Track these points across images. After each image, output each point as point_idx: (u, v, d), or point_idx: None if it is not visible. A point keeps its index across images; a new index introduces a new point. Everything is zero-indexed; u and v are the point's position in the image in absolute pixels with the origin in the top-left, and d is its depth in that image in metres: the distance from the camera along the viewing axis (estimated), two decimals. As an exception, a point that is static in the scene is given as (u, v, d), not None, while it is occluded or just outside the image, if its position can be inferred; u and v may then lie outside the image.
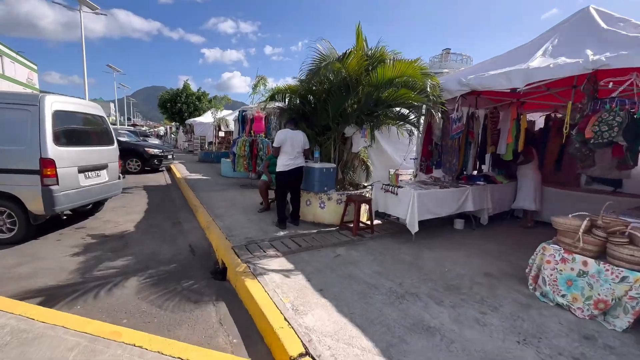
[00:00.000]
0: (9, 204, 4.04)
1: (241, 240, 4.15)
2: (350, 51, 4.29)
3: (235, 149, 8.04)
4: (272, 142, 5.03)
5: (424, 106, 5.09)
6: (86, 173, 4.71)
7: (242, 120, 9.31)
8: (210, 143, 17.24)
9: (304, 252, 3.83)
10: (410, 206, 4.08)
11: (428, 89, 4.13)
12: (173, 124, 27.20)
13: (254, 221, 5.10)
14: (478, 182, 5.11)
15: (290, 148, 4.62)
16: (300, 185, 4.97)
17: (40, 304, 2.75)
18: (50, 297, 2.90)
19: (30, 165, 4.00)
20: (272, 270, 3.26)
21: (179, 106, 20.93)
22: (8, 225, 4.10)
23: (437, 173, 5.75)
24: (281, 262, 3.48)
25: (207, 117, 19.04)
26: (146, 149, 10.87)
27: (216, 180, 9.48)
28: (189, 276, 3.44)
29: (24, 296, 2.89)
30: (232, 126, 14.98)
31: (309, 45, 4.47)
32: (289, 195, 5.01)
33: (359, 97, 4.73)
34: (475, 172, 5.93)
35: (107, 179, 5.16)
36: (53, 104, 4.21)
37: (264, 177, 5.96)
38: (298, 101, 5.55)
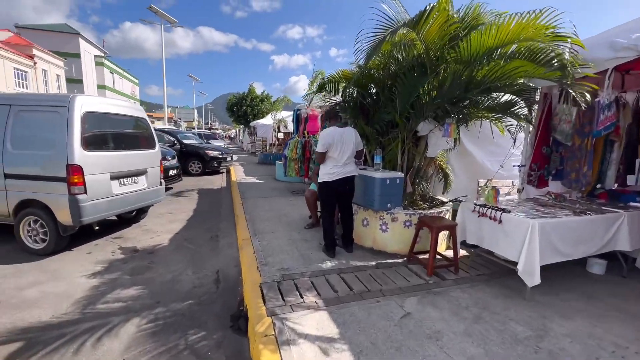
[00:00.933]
0: (41, 213, 3.75)
1: (275, 272, 3.18)
2: (429, 11, 2.91)
3: (286, 151, 7.24)
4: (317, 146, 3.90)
5: (538, 90, 3.47)
6: (121, 180, 4.29)
7: (297, 119, 8.52)
8: (271, 145, 17.15)
9: (355, 302, 2.65)
10: (527, 243, 2.57)
11: (566, 58, 2.55)
12: (241, 126, 28.43)
13: (296, 242, 4.11)
14: (635, 204, 3.27)
15: (339, 153, 3.48)
16: (351, 199, 3.80)
17: (13, 354, 2.15)
18: (30, 343, 2.29)
19: (58, 171, 3.65)
20: (305, 337, 2.17)
21: (244, 109, 21.58)
22: (41, 236, 3.84)
23: (553, 186, 3.99)
24: (321, 321, 2.37)
25: (268, 119, 19.08)
26: (206, 151, 10.91)
27: (269, 184, 8.88)
28: (202, 323, 2.57)
29: (5, 337, 2.34)
30: (290, 127, 14.50)
31: (370, 11, 3.20)
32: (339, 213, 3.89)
33: (440, 80, 3.36)
34: (615, 186, 3.98)
35: (145, 185, 4.73)
36: (83, 105, 3.82)
37: (312, 186, 4.95)
38: (354, 92, 4.38)
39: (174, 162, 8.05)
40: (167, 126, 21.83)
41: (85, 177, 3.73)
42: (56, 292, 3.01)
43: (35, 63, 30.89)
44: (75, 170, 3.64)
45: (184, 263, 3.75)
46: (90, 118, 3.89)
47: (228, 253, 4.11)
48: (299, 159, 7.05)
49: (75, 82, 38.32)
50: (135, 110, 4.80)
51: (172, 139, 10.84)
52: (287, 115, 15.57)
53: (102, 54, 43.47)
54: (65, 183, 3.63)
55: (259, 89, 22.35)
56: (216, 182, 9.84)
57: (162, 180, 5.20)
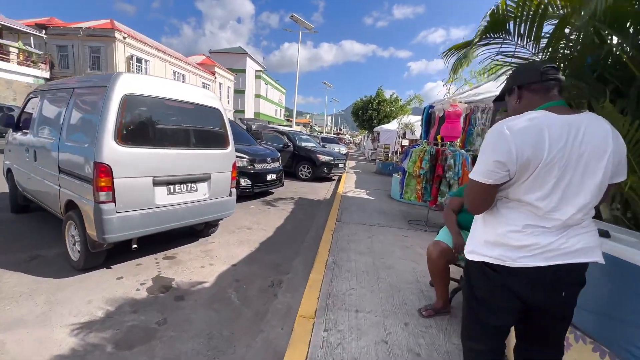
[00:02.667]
0: (77, 220, 3.00)
1: None
2: None
3: (406, 164, 5.00)
4: (471, 162, 1.28)
5: None
6: (170, 187, 3.20)
7: (427, 120, 6.09)
8: (393, 153, 14.89)
9: None
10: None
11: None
12: (366, 132, 27.17)
13: (397, 350, 1.95)
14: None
15: (553, 187, 1.12)
16: (567, 324, 1.33)
17: None
18: None
19: (86, 170, 2.78)
20: None
21: (369, 113, 20.07)
22: (77, 247, 3.11)
23: None
24: None
25: (394, 124, 16.84)
26: (318, 155, 9.78)
27: (380, 203, 6.80)
28: None
29: None
30: (418, 133, 11.88)
31: None
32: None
33: None
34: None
35: (206, 195, 3.56)
36: (127, 85, 2.83)
37: (441, 236, 2.61)
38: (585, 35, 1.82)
39: (276, 165, 7.07)
40: (296, 129, 22.69)
41: (115, 180, 2.73)
42: (35, 338, 1.96)
43: (215, 78, 38.78)
44: (102, 170, 2.67)
45: (201, 339, 2.22)
46: (134, 102, 2.89)
47: (274, 331, 2.36)
48: (425, 176, 4.69)
49: (240, 92, 46.44)
50: (205, 97, 3.68)
51: (287, 140, 10.24)
52: (416, 120, 12.99)
53: (261, 69, 51.16)
54: (91, 186, 2.72)
55: (381, 90, 20.33)
56: (321, 191, 8.48)
57: (233, 190, 3.97)
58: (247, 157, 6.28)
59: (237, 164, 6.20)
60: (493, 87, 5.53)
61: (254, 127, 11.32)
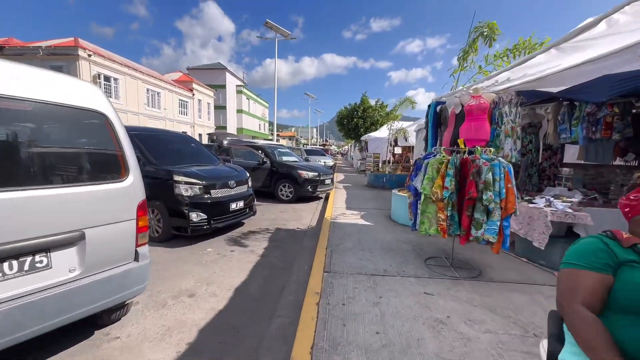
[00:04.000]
0: None
1: None
2: None
3: (418, 182, 3.43)
4: None
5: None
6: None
7: (434, 120, 4.59)
8: (384, 162, 13.48)
9: None
10: None
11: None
12: (352, 141, 25.86)
13: None
14: None
15: None
16: None
17: None
18: None
19: None
20: None
21: (355, 121, 18.76)
22: None
23: None
24: None
25: (382, 132, 15.52)
26: (300, 172, 8.19)
27: (381, 232, 5.21)
28: None
29: None
30: (412, 139, 10.50)
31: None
32: None
33: None
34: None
35: (74, 272, 1.86)
36: None
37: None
38: None
39: (243, 189, 5.42)
40: (282, 142, 21.13)
41: None
42: None
43: (193, 94, 37.09)
44: None
45: None
46: None
47: None
48: (449, 198, 3.14)
49: (221, 108, 44.78)
50: (76, 93, 2.02)
51: (262, 155, 8.62)
52: (408, 124, 11.65)
53: (242, 84, 49.84)
54: None
55: (365, 97, 19.07)
56: (305, 216, 6.85)
57: (144, 249, 2.30)
58: (200, 182, 4.61)
59: (186, 193, 4.57)
60: (520, 72, 4.13)
61: (225, 142, 9.69)
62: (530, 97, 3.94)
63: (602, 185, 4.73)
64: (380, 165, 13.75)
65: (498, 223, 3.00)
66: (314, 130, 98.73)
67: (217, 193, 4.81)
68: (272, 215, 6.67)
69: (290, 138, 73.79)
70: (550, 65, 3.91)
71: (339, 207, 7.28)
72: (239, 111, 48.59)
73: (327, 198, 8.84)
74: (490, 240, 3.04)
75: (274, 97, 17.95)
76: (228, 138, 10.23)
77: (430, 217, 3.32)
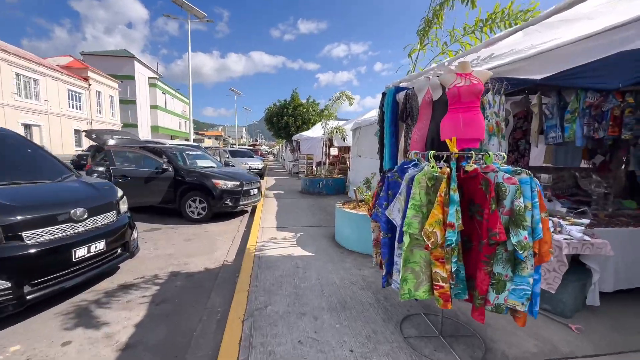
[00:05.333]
0: None
1: None
2: None
3: (396, 211, 2.00)
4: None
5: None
6: None
7: (393, 112, 3.25)
8: (319, 163, 12.19)
9: None
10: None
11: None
12: (284, 141, 24.14)
13: None
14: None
15: None
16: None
17: None
18: None
19: None
20: None
21: (285, 120, 17.10)
22: None
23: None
24: None
25: (315, 131, 14.26)
26: (216, 181, 6.18)
27: (327, 271, 3.69)
28: None
29: None
30: (350, 139, 9.40)
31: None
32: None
33: None
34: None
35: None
36: None
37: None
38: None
39: (105, 221, 3.27)
40: (207, 142, 18.13)
41: None
42: None
43: (89, 85, 30.36)
44: None
45: None
46: None
47: None
48: (455, 246, 1.76)
49: (129, 102, 38.05)
50: None
51: (163, 161, 6.31)
52: (343, 123, 10.52)
53: (156, 76, 43.38)
54: None
55: (296, 94, 17.59)
56: (220, 243, 4.93)
57: None
58: (-7, 220, 2.38)
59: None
60: (507, 46, 3.11)
61: (111, 141, 7.01)
62: (516, 84, 2.91)
63: (563, 191, 4.12)
64: (314, 168, 12.43)
65: (530, 280, 1.75)
66: (243, 129, 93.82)
67: (38, 235, 2.62)
68: (169, 248, 4.58)
69: (217, 137, 68.24)
70: (536, 43, 2.95)
71: (268, 226, 5.56)
72: (154, 107, 42.28)
73: (253, 212, 7.02)
74: (518, 307, 1.78)
75: (189, 86, 15.11)
76: (116, 137, 7.49)
77: (418, 271, 1.91)
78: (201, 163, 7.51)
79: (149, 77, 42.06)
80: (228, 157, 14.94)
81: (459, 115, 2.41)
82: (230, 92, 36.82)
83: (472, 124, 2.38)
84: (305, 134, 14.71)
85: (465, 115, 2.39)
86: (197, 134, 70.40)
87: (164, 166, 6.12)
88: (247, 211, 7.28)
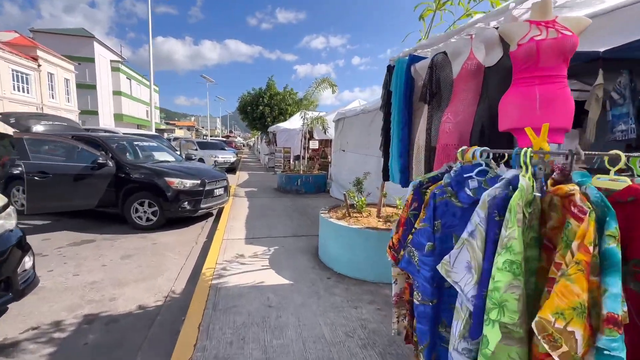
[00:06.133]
0: None
1: None
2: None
3: (464, 270, 1.03)
4: None
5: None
6: None
7: (407, 90, 2.27)
8: (297, 158, 11.08)
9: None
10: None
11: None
12: (259, 132, 22.64)
13: None
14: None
15: None
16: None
17: None
18: None
19: None
20: None
21: (260, 109, 15.69)
22: None
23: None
24: None
25: (293, 122, 13.09)
26: (169, 179, 4.92)
27: (312, 313, 2.66)
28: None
29: None
30: (331, 131, 8.38)
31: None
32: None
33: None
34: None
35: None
36: None
37: None
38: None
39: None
40: (179, 133, 16.50)
41: None
42: None
43: (39, 65, 26.87)
44: None
45: None
46: None
47: None
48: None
49: (88, 87, 34.46)
50: None
51: (101, 154, 4.93)
52: (323, 114, 9.46)
53: (119, 59, 39.65)
54: None
55: (272, 82, 16.15)
56: (170, 263, 3.75)
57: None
58: None
59: None
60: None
61: (37, 127, 5.55)
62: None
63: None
64: (291, 162, 11.32)
65: None
66: (218, 120, 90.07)
67: None
68: (96, 272, 3.34)
69: (190, 128, 64.71)
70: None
71: (235, 237, 4.44)
72: (117, 93, 38.79)
73: (220, 214, 5.84)
74: None
75: (150, 70, 13.29)
76: (44, 123, 5.95)
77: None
78: (157, 156, 6.19)
79: (112, 61, 38.41)
80: (196, 149, 13.42)
81: (534, 90, 1.45)
82: (202, 79, 34.30)
83: (555, 103, 1.44)
84: (282, 125, 13.50)
85: (545, 90, 1.44)
86: (167, 123, 66.17)
87: (101, 160, 4.76)
88: (212, 214, 6.08)
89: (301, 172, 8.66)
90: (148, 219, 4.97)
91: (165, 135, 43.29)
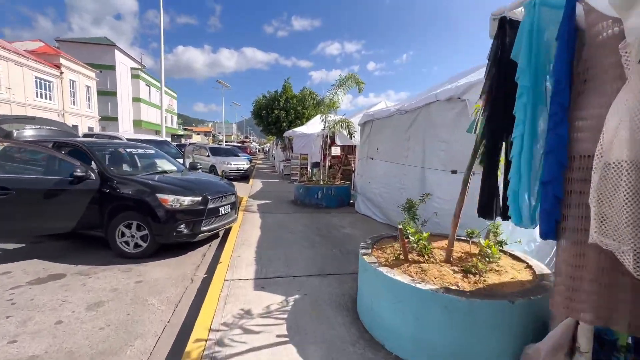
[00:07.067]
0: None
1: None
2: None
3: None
4: None
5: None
6: None
7: (568, 45, 1.17)
8: (316, 165, 9.96)
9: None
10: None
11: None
12: (274, 137, 21.74)
13: None
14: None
15: None
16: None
17: None
18: None
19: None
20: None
21: (276, 113, 14.72)
22: None
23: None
24: None
25: (311, 127, 12.03)
26: (162, 196, 3.90)
27: None
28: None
29: None
30: (357, 136, 7.22)
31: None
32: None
33: None
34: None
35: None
36: None
37: None
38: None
39: None
40: (195, 139, 15.90)
41: None
42: None
43: (61, 73, 27.27)
44: None
45: None
46: None
47: None
48: None
49: (109, 94, 34.91)
50: None
51: (80, 164, 3.97)
52: (353, 116, 8.30)
53: (139, 67, 40.18)
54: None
55: (288, 84, 15.11)
56: (147, 324, 2.68)
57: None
58: None
59: None
60: None
61: (26, 132, 4.79)
62: None
63: None
64: (309, 170, 10.21)
65: None
66: (234, 126, 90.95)
67: None
68: (43, 338, 2.30)
69: (207, 134, 65.28)
70: None
71: (242, 276, 3.32)
72: (136, 99, 39.25)
73: (226, 236, 4.78)
74: None
75: (161, 74, 12.72)
76: (30, 127, 5.13)
77: None
78: (155, 166, 5.24)
79: (132, 68, 38.95)
80: (208, 156, 12.58)
81: None
82: (218, 85, 34.04)
83: None
84: (299, 129, 12.46)
85: None
86: (185, 129, 67.02)
87: (79, 172, 3.78)
88: (217, 235, 5.03)
89: (321, 183, 7.53)
90: (137, 245, 3.96)
91: (183, 140, 43.43)
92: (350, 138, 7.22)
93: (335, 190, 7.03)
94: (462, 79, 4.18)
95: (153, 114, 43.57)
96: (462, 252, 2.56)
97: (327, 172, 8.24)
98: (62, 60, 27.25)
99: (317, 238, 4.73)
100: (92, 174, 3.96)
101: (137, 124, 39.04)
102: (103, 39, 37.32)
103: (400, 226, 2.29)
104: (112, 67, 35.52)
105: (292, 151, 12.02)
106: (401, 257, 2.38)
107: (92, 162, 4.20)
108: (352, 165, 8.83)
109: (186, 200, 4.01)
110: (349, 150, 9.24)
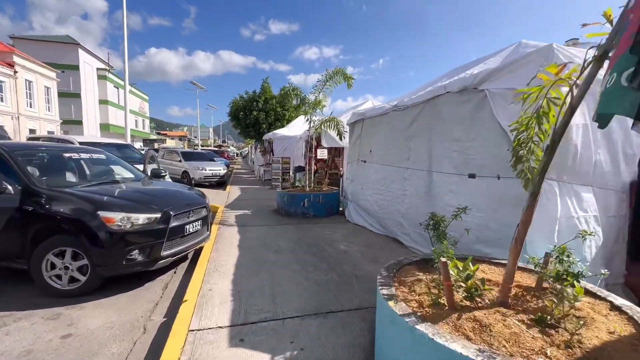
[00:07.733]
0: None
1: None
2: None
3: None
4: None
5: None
6: None
7: None
8: (299, 169, 9.16)
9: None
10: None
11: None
12: (253, 141, 20.65)
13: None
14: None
15: None
16: None
17: None
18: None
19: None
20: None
21: (254, 115, 13.73)
22: None
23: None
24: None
25: (292, 129, 11.24)
26: (105, 213, 2.97)
27: None
28: None
29: None
30: (347, 137, 6.52)
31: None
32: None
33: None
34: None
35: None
36: None
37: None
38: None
39: None
40: (170, 143, 14.53)
41: None
42: None
43: (15, 72, 24.68)
44: None
45: None
46: None
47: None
48: None
49: (72, 95, 32.20)
50: None
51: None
52: (343, 115, 7.58)
53: (106, 67, 37.54)
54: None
55: (267, 84, 14.24)
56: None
57: None
58: None
59: None
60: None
61: None
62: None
63: None
64: (292, 176, 9.38)
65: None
66: (211, 130, 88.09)
67: None
68: None
69: (181, 138, 62.52)
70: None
71: (214, 322, 2.47)
72: (103, 102, 36.60)
73: (196, 257, 3.86)
74: None
75: (125, 72, 11.46)
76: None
77: None
78: (105, 174, 4.23)
79: (99, 69, 36.33)
80: (180, 161, 11.41)
81: None
82: (194, 87, 32.33)
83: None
84: (280, 132, 11.62)
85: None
86: (159, 133, 63.68)
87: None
88: (186, 258, 4.10)
89: (307, 190, 6.74)
90: (73, 280, 2.98)
91: (156, 145, 40.89)
92: (340, 139, 6.50)
93: (324, 198, 6.27)
94: (474, 67, 3.58)
95: (122, 117, 40.81)
96: (514, 286, 1.87)
97: (313, 177, 7.47)
98: (16, 59, 24.71)
99: (308, 258, 3.93)
100: (8, 187, 2.95)
101: (105, 127, 36.39)
102: (65, 37, 34.55)
103: (443, 259, 1.56)
104: (76, 67, 32.90)
105: (273, 155, 11.16)
106: (441, 300, 1.65)
107: (14, 171, 3.17)
108: (340, 169, 8.14)
109: (140, 218, 3.08)
110: (336, 152, 8.55)
